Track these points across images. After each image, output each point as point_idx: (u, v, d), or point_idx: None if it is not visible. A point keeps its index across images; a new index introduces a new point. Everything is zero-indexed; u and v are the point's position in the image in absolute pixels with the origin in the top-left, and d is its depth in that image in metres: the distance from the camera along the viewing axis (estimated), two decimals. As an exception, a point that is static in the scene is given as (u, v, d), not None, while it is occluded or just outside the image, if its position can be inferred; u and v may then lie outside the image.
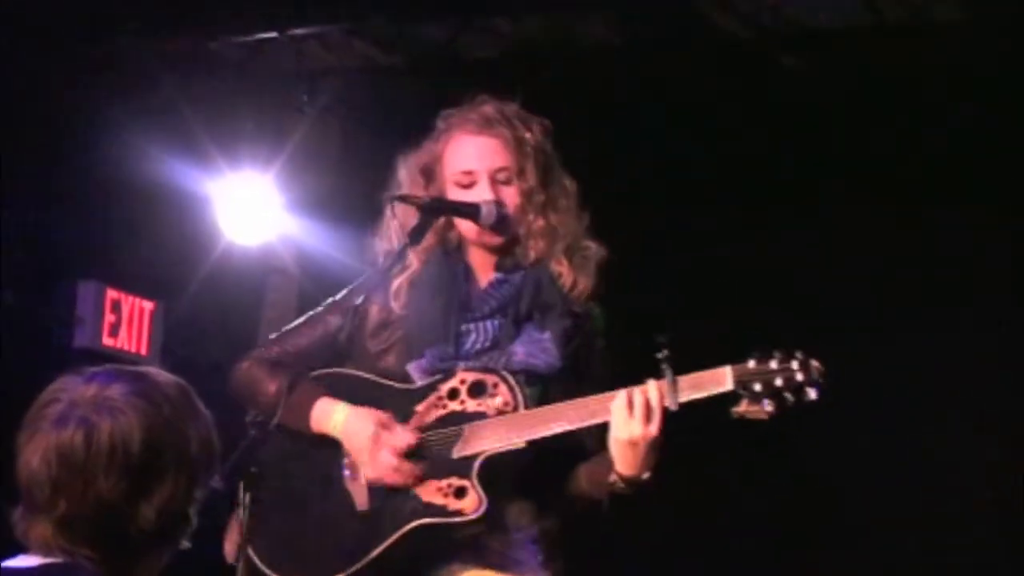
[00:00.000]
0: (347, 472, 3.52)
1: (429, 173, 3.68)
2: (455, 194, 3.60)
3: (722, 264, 6.57)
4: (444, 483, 3.41)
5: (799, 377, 3.26)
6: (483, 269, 3.64)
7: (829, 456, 6.57)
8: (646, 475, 3.35)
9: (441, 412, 3.48)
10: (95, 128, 6.75)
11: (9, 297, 6.62)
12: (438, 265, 3.62)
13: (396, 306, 3.61)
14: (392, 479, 3.44)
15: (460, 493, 3.40)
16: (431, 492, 3.42)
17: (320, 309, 3.72)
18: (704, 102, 6.65)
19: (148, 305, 7.29)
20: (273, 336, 3.73)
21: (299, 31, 6.75)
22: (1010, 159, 6.33)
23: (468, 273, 3.63)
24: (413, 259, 3.61)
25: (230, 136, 7.05)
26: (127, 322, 7.18)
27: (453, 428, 3.46)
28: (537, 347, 3.52)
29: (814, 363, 3.29)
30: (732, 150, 6.61)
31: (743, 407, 3.27)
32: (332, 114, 7.19)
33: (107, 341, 7.06)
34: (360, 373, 3.60)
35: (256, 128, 7.15)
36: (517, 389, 3.43)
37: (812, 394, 3.26)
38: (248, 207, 7.12)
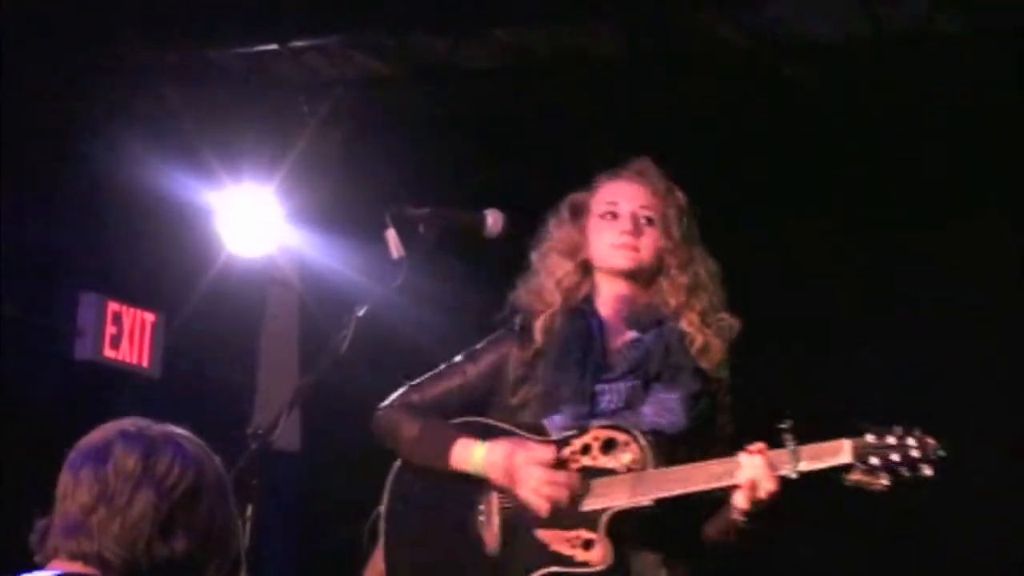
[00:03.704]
0: (481, 517, 3.70)
1: (577, 209, 3.87)
2: (597, 225, 3.79)
3: (721, 257, 6.55)
4: (572, 534, 3.59)
5: (915, 453, 3.42)
6: (616, 321, 3.80)
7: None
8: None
9: (573, 467, 3.64)
10: (96, 139, 6.76)
11: (10, 309, 6.62)
12: (574, 321, 3.78)
13: (536, 361, 3.78)
14: (540, 500, 3.59)
15: (588, 545, 3.58)
16: (560, 542, 3.60)
17: (456, 359, 3.87)
18: (706, 113, 6.65)
19: (149, 317, 7.29)
20: (413, 383, 3.87)
21: (300, 43, 6.76)
22: (1012, 170, 6.33)
23: (602, 329, 3.79)
24: (551, 315, 3.79)
25: (231, 147, 7.06)
26: (128, 334, 7.17)
27: (585, 482, 3.62)
28: (664, 407, 3.69)
29: (931, 440, 3.45)
30: (734, 161, 6.61)
31: (857, 476, 3.44)
32: (333, 125, 7.19)
33: (108, 353, 7.05)
34: (496, 423, 3.76)
35: (257, 139, 7.16)
36: (647, 448, 3.59)
37: (927, 470, 3.41)
38: (249, 219, 7.12)
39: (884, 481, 3.42)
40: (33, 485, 2.26)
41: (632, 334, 3.78)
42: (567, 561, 3.58)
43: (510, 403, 3.77)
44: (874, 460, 3.42)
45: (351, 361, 3.76)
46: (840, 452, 3.44)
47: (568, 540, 3.59)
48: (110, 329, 7.08)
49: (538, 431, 3.70)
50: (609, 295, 3.81)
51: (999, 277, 6.47)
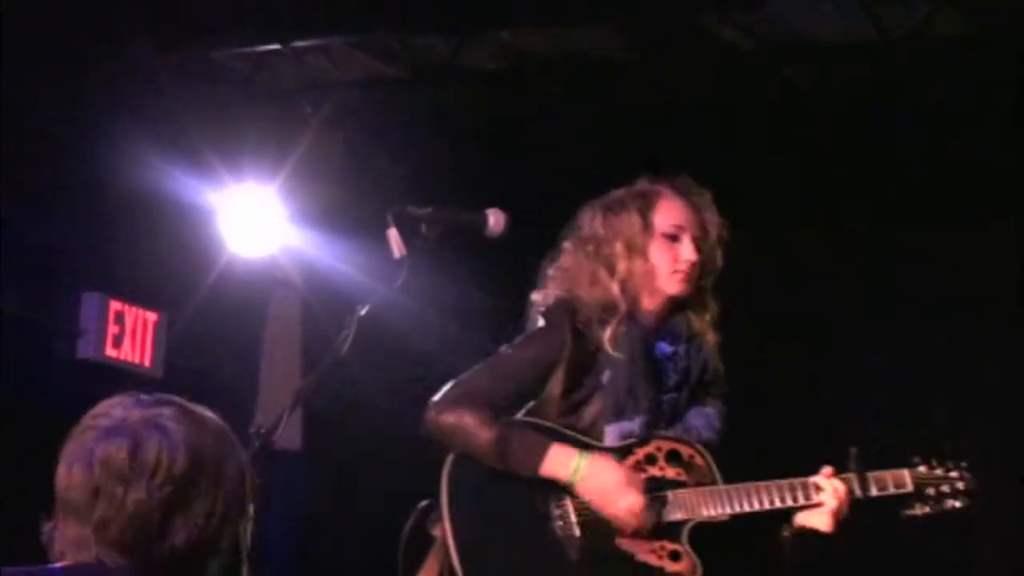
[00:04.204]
0: (559, 521, 3.71)
1: (643, 207, 3.87)
2: (660, 244, 3.82)
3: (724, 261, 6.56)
4: (656, 544, 3.68)
5: (960, 486, 3.74)
6: (652, 328, 3.85)
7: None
8: None
9: (643, 475, 3.70)
10: (98, 139, 6.76)
11: (12, 308, 6.62)
12: (633, 327, 3.80)
13: (592, 366, 3.79)
14: (634, 524, 3.65)
15: (674, 556, 3.66)
16: (645, 552, 3.68)
17: (501, 353, 3.85)
18: (706, 113, 6.66)
19: (152, 316, 7.29)
20: (462, 379, 3.81)
21: (302, 43, 6.76)
22: (1012, 170, 6.33)
23: (648, 339, 3.83)
24: (607, 322, 3.79)
25: (233, 148, 7.06)
26: (130, 333, 7.17)
27: (658, 493, 3.69)
28: (707, 422, 3.83)
29: (973, 475, 3.76)
30: (735, 161, 6.61)
31: (913, 505, 3.73)
32: (335, 126, 7.20)
33: (110, 352, 7.05)
34: (559, 427, 3.77)
35: (260, 140, 7.16)
36: (712, 462, 3.74)
37: (965, 503, 3.74)
38: (252, 219, 7.12)
39: (928, 510, 3.73)
40: (34, 484, 2.28)
41: (667, 346, 3.85)
42: (658, 572, 3.66)
43: (562, 404, 3.77)
44: (929, 491, 3.72)
45: (353, 361, 3.77)
46: (904, 482, 3.72)
47: (653, 551, 3.66)
48: (112, 328, 7.09)
49: (594, 435, 3.74)
50: (650, 308, 3.84)
51: (999, 277, 6.48)
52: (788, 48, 6.41)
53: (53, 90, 6.58)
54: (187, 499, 2.23)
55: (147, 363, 7.24)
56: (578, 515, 3.69)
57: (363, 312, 3.49)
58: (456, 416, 3.73)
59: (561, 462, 3.67)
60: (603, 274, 3.81)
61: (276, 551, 7.25)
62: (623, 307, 3.79)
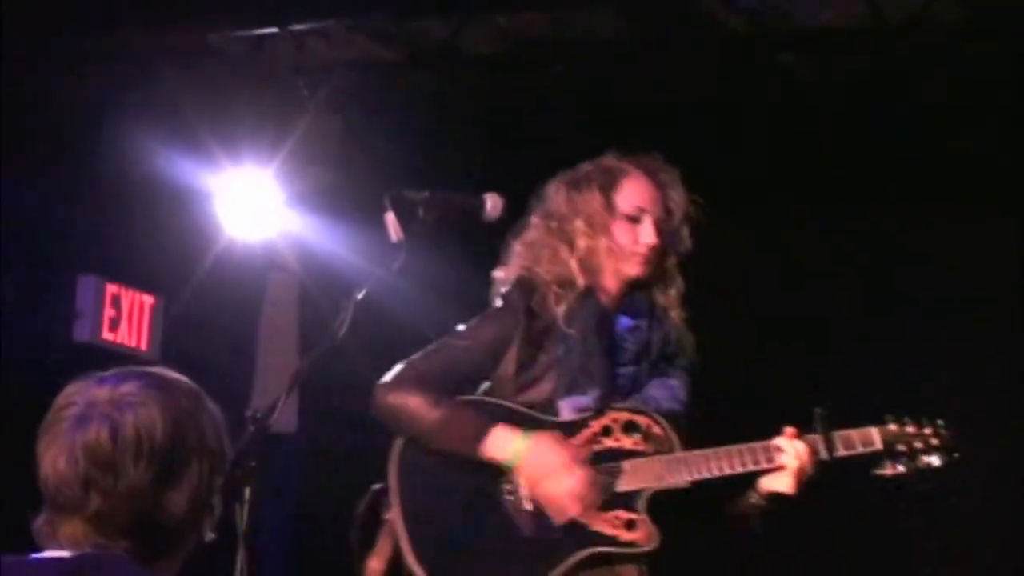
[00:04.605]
0: (510, 496, 3.67)
1: (606, 185, 3.86)
2: (622, 224, 3.80)
3: (724, 259, 6.56)
4: (611, 515, 3.62)
5: (934, 441, 3.65)
6: (612, 305, 3.84)
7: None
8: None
9: (598, 447, 3.66)
10: (95, 122, 6.75)
11: (9, 291, 6.62)
12: (588, 302, 3.79)
13: (545, 342, 3.77)
14: (574, 506, 3.61)
15: (631, 525, 3.59)
16: (599, 523, 3.62)
17: (453, 334, 3.85)
18: (704, 98, 6.65)
19: (148, 300, 7.29)
20: (412, 359, 3.81)
21: (300, 26, 6.74)
22: (1010, 158, 6.32)
23: (606, 314, 3.81)
24: (562, 297, 3.79)
25: (231, 131, 7.05)
26: (127, 317, 7.17)
27: (612, 464, 3.64)
28: (670, 392, 3.79)
29: (948, 431, 3.68)
30: (732, 147, 6.61)
31: (883, 464, 3.64)
32: (333, 109, 7.18)
33: (107, 336, 7.05)
34: (510, 404, 3.75)
35: (257, 123, 7.15)
36: (670, 430, 3.67)
37: (942, 460, 3.64)
38: (249, 202, 7.12)
39: (902, 469, 3.61)
40: (31, 468, 2.26)
41: (629, 320, 3.83)
42: (613, 541, 3.60)
43: (516, 381, 3.76)
44: (901, 447, 3.62)
45: (349, 344, 3.76)
46: (872, 440, 3.63)
47: (607, 521, 3.61)
48: (108, 312, 7.08)
49: (548, 410, 3.71)
50: (611, 287, 3.84)
51: (999, 277, 6.47)
52: (787, 34, 6.39)
53: (50, 74, 6.57)
54: (176, 466, 2.21)
55: (143, 346, 7.24)
56: (530, 494, 3.66)
57: (360, 296, 3.48)
58: (401, 397, 3.74)
59: (501, 445, 3.66)
60: (563, 250, 3.81)
61: (271, 534, 7.25)
62: (580, 283, 3.79)
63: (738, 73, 6.60)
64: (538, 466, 3.62)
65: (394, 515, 3.71)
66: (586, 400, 3.71)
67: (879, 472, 3.63)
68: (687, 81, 6.65)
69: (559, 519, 3.62)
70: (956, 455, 3.64)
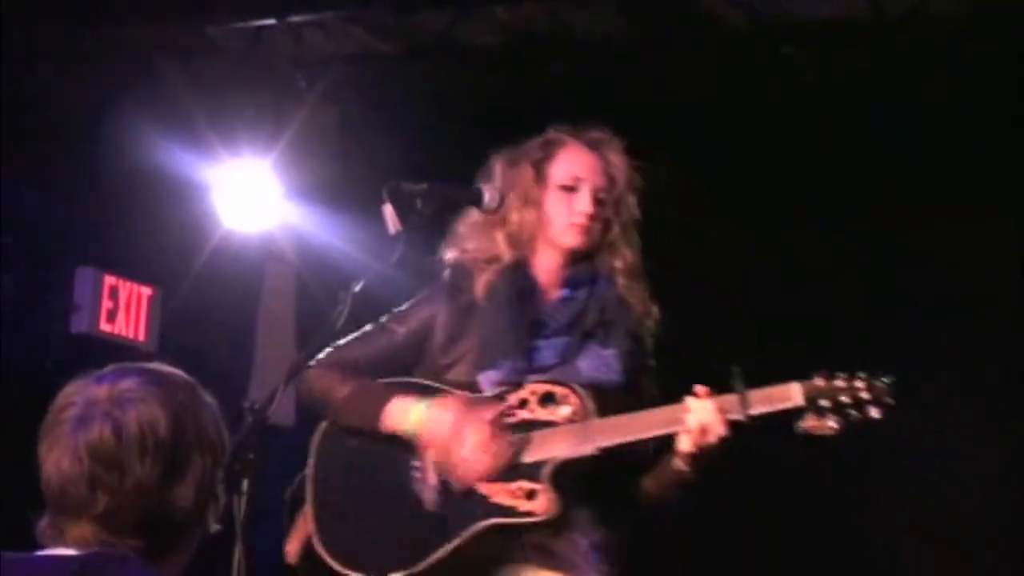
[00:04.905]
0: (416, 473, 3.64)
1: (538, 160, 3.82)
2: (556, 196, 3.76)
3: (721, 257, 6.56)
4: (514, 486, 3.54)
5: (865, 396, 3.46)
6: (550, 278, 3.78)
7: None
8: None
9: (511, 420, 3.59)
10: (93, 114, 6.74)
11: (6, 283, 6.61)
12: (507, 279, 3.74)
13: (468, 320, 3.73)
14: (479, 464, 3.54)
15: (531, 496, 3.52)
16: (500, 494, 3.55)
17: (382, 320, 3.83)
18: (704, 98, 6.64)
19: (146, 291, 7.28)
20: (339, 344, 3.80)
21: (298, 18, 6.74)
22: (1010, 158, 6.32)
23: (535, 287, 3.76)
24: (483, 273, 3.75)
25: (229, 123, 7.04)
26: (125, 308, 7.17)
27: (521, 434, 3.57)
28: (601, 362, 3.68)
29: (880, 382, 3.49)
30: (732, 146, 6.60)
31: (808, 420, 3.43)
32: (331, 101, 7.18)
33: (104, 327, 7.05)
34: (428, 382, 3.71)
35: (255, 115, 7.14)
36: (586, 399, 3.56)
37: (875, 412, 3.44)
38: (247, 194, 7.11)
39: (833, 424, 3.43)
40: (29, 460, 2.26)
41: (565, 291, 3.78)
42: (509, 512, 3.53)
43: (440, 362, 3.74)
44: (824, 403, 3.46)
45: (347, 335, 3.77)
46: (791, 396, 3.47)
47: (509, 492, 3.54)
48: (106, 303, 7.08)
49: (471, 388, 3.67)
50: (549, 260, 3.80)
51: (999, 277, 6.47)
52: (788, 29, 6.38)
53: (47, 65, 6.56)
54: (180, 460, 2.21)
55: (141, 338, 7.23)
56: (436, 464, 3.63)
57: (358, 288, 3.48)
58: (317, 380, 3.75)
59: (400, 414, 3.64)
60: (496, 227, 3.78)
61: (269, 527, 7.25)
62: (506, 258, 3.76)
63: (738, 73, 6.60)
64: (437, 430, 3.58)
65: (307, 500, 3.74)
66: (496, 374, 3.65)
67: (802, 426, 3.44)
68: (687, 81, 6.65)
69: (464, 483, 3.57)
70: (891, 402, 3.45)
